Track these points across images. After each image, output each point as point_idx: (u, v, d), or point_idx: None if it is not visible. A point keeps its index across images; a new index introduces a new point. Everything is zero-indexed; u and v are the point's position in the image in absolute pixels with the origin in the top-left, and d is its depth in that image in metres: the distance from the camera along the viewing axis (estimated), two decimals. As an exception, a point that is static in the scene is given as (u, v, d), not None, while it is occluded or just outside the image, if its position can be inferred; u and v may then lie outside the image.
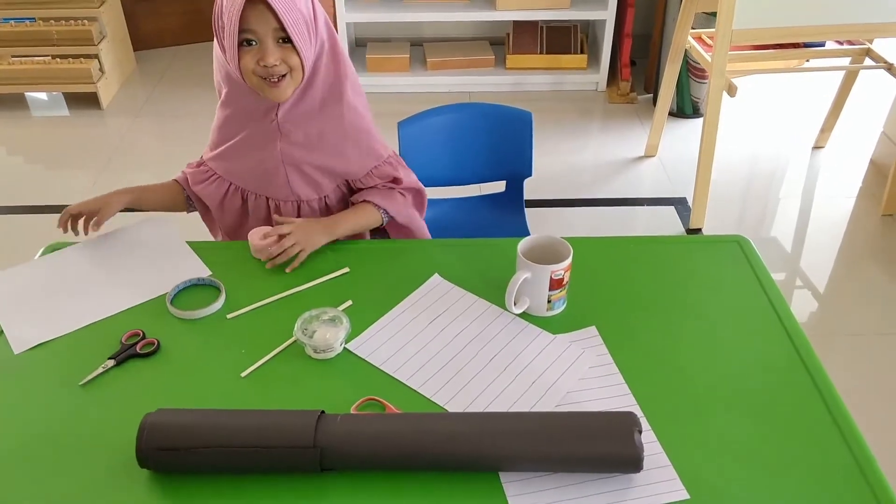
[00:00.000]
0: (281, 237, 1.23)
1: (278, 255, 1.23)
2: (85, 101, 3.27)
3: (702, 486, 0.91)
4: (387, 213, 1.36)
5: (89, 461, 0.91)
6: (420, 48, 3.51)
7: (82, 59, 3.17)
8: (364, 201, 1.36)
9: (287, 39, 1.17)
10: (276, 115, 1.27)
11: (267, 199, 1.37)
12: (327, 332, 1.08)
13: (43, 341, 1.10)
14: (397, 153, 1.42)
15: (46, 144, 3.06)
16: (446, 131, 1.77)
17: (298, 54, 1.18)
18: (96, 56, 3.20)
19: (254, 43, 1.17)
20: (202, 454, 0.89)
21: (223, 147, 1.34)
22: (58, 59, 3.17)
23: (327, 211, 1.39)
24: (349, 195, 1.40)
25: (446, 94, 3.33)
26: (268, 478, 0.92)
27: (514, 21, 3.32)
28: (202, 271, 1.25)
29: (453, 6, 3.26)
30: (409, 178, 1.41)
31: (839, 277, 2.36)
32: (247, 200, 1.38)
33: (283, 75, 1.19)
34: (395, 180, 1.38)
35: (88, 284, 1.22)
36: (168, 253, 1.30)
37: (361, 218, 1.34)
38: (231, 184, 1.37)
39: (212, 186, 1.38)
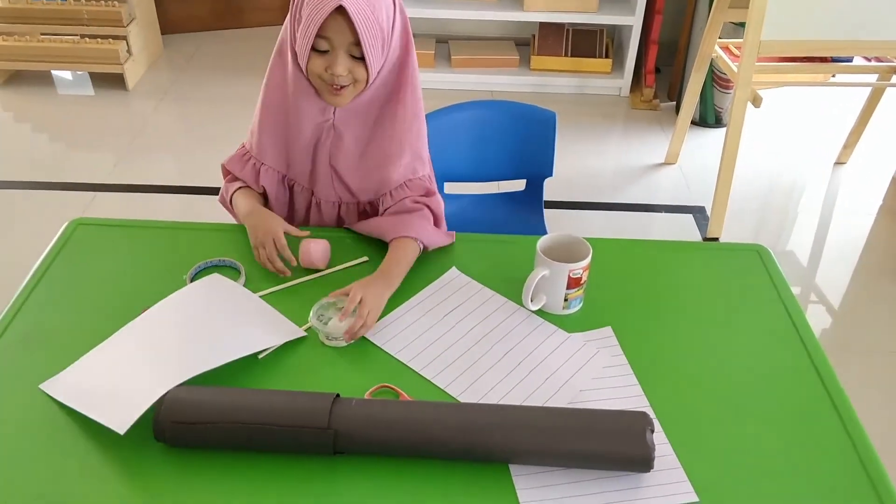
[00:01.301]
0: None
1: (361, 327, 1.11)
2: (111, 81, 3.30)
3: (711, 490, 0.92)
4: (422, 243, 1.28)
5: (104, 431, 0.93)
6: (445, 45, 3.52)
7: (111, 39, 3.20)
8: (403, 237, 1.26)
9: (360, 55, 1.16)
10: (333, 115, 1.26)
11: (311, 193, 1.36)
12: (341, 321, 1.09)
13: (140, 415, 0.94)
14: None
15: (70, 123, 3.09)
16: (470, 127, 1.77)
17: (367, 69, 1.18)
18: (124, 38, 3.23)
19: (327, 50, 1.17)
20: (217, 429, 0.91)
21: (273, 135, 1.31)
22: (86, 39, 3.20)
23: (364, 215, 1.37)
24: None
25: (470, 91, 3.34)
26: (280, 457, 0.93)
27: (540, 22, 3.32)
28: (290, 328, 1.14)
29: (481, 5, 3.26)
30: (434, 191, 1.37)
31: (855, 294, 2.35)
32: (293, 190, 1.37)
33: (347, 85, 1.19)
34: (428, 193, 1.34)
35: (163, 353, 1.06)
36: (242, 307, 1.16)
37: (408, 256, 1.24)
38: (279, 173, 1.35)
39: (267, 178, 1.35)
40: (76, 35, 3.21)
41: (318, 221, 1.38)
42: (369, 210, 1.37)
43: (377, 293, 1.14)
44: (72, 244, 1.30)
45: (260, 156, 1.34)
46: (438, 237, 1.31)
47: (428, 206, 1.32)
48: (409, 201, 1.31)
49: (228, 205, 1.39)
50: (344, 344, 1.10)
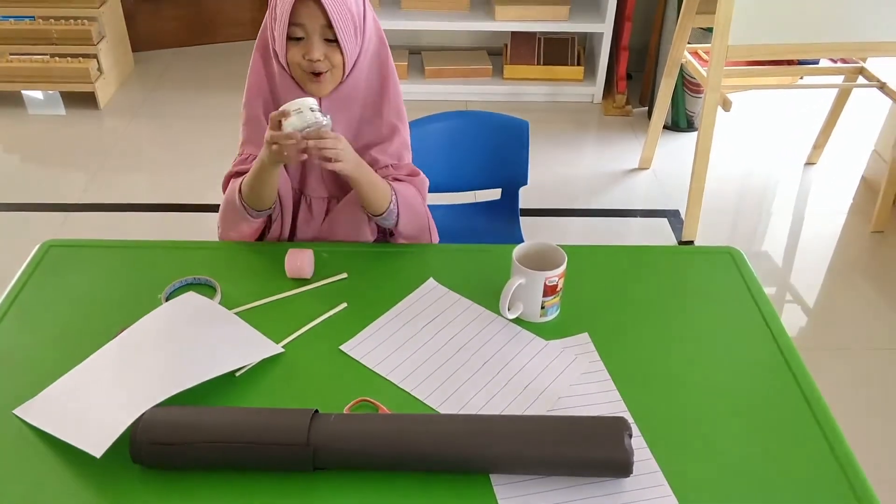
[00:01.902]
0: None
1: (314, 142, 1.15)
2: (82, 100, 3.27)
3: (690, 492, 0.92)
4: (395, 195, 1.30)
5: (81, 454, 0.91)
6: (418, 56, 3.53)
7: (81, 58, 3.17)
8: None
9: (334, 37, 1.20)
10: (319, 107, 1.26)
11: (301, 194, 1.38)
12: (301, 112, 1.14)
13: (116, 437, 0.92)
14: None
15: (42, 143, 3.06)
16: (444, 138, 1.78)
17: (342, 53, 1.22)
18: (95, 56, 3.21)
19: (302, 37, 1.21)
20: (195, 449, 0.90)
21: (263, 133, 1.28)
22: (56, 58, 3.17)
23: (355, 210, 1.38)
24: None
25: (443, 102, 3.35)
26: (260, 475, 0.93)
27: (512, 32, 3.35)
28: (267, 345, 1.12)
29: (452, 15, 3.28)
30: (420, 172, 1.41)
31: (829, 292, 2.38)
32: (280, 195, 1.36)
33: (325, 71, 1.23)
34: (413, 173, 1.38)
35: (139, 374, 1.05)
36: (218, 324, 1.15)
37: (378, 182, 1.28)
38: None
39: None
40: (46, 54, 3.18)
41: (307, 221, 1.38)
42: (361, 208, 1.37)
43: (351, 150, 1.21)
44: (44, 266, 1.28)
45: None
46: (416, 204, 1.34)
47: (413, 185, 1.36)
48: (391, 178, 1.34)
49: (241, 205, 1.29)
50: (295, 142, 1.14)
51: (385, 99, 1.33)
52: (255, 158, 1.31)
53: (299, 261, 1.25)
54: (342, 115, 1.30)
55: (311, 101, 1.16)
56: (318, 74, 1.23)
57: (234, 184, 1.32)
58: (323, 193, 1.38)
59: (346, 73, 1.26)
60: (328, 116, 1.18)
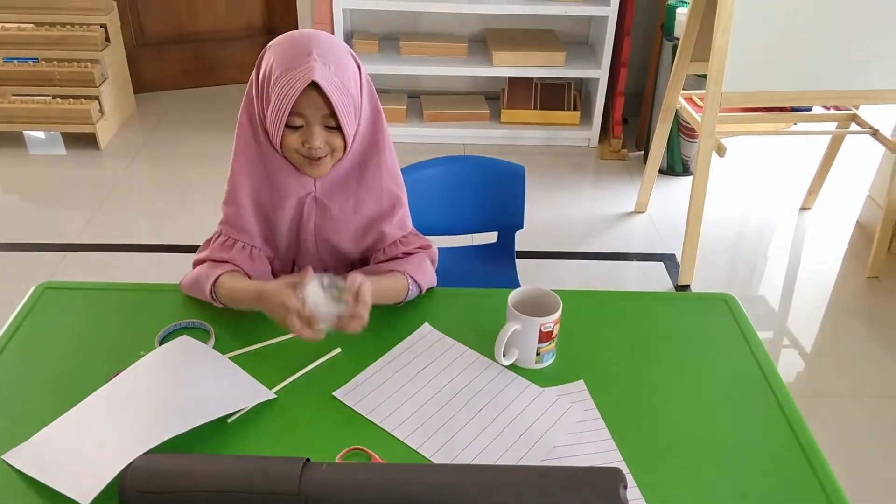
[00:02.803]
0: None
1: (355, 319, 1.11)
2: (83, 141, 3.30)
3: (686, 545, 0.91)
4: (416, 284, 1.28)
5: (68, 501, 0.90)
6: (417, 100, 3.57)
7: (83, 99, 3.21)
8: (394, 271, 1.27)
9: (335, 125, 1.17)
10: (315, 188, 1.25)
11: (293, 263, 1.35)
12: (323, 301, 1.09)
13: (105, 484, 0.92)
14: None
15: (42, 183, 3.07)
16: (441, 182, 1.79)
17: (343, 138, 1.18)
18: (97, 97, 3.25)
19: (301, 126, 1.17)
20: (185, 498, 0.89)
21: (254, 216, 1.27)
22: (58, 100, 3.20)
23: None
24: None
25: (442, 145, 3.38)
26: (250, 525, 0.91)
27: (509, 77, 3.39)
28: (260, 390, 1.12)
29: (451, 60, 3.33)
30: (430, 243, 1.38)
31: (824, 338, 2.38)
32: (272, 264, 1.34)
33: (325, 156, 1.19)
34: (423, 246, 1.35)
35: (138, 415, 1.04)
36: (212, 370, 1.14)
37: (392, 283, 1.25)
38: (257, 249, 1.30)
39: (260, 259, 1.31)
40: (48, 96, 3.22)
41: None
42: (358, 265, 1.36)
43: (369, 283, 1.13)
44: (39, 308, 1.28)
45: (245, 237, 1.28)
46: (432, 279, 1.32)
47: (427, 256, 1.34)
48: (402, 255, 1.31)
49: (210, 296, 1.24)
50: (327, 326, 1.09)
51: (381, 166, 1.28)
52: (233, 244, 1.26)
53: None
54: (340, 190, 1.27)
55: (321, 283, 1.10)
56: (317, 159, 1.19)
57: (208, 274, 1.23)
58: (318, 266, 1.33)
59: (346, 153, 1.22)
60: (343, 298, 1.11)
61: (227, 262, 1.26)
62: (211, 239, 1.31)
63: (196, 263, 1.31)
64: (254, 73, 1.21)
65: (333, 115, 1.15)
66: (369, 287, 1.12)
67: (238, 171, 1.25)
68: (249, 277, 1.27)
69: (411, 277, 1.27)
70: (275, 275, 1.33)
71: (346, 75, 1.15)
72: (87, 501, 0.89)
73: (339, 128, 1.17)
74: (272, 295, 1.12)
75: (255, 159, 1.24)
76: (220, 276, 1.23)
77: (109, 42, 3.33)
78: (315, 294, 1.09)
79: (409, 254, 1.32)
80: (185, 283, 1.30)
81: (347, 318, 1.10)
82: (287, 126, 1.16)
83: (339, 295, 1.11)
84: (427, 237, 1.40)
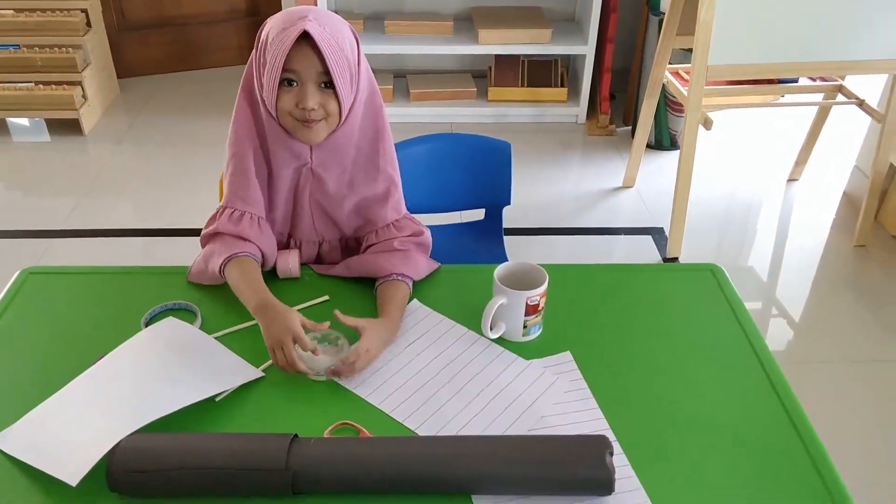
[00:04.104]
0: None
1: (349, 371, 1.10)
2: (67, 127, 3.27)
3: (673, 510, 0.92)
4: (410, 280, 1.27)
5: (57, 483, 0.90)
6: (403, 80, 3.55)
7: (65, 85, 3.18)
8: (391, 277, 1.25)
9: (329, 84, 1.15)
10: (311, 159, 1.24)
11: (289, 236, 1.35)
12: (328, 357, 1.10)
13: (92, 465, 0.92)
14: None
15: (27, 170, 3.05)
16: (428, 160, 1.79)
17: (338, 100, 1.16)
18: (80, 83, 3.21)
19: (294, 84, 1.15)
20: (173, 476, 0.89)
21: (253, 189, 1.26)
22: (41, 86, 3.17)
23: (346, 251, 1.37)
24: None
25: (429, 124, 3.36)
26: (239, 501, 0.92)
27: (496, 55, 3.37)
28: (247, 369, 1.12)
29: (437, 39, 3.31)
30: (424, 229, 1.36)
31: (812, 307, 2.40)
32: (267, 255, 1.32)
33: (319, 119, 1.17)
34: (416, 233, 1.33)
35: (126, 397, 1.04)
36: (202, 352, 1.14)
37: (401, 297, 1.23)
38: (264, 220, 1.29)
39: (267, 231, 1.30)
40: (31, 82, 3.18)
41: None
42: (353, 245, 1.36)
43: (383, 342, 1.15)
44: (23, 294, 1.27)
45: (252, 208, 1.26)
46: (426, 270, 1.32)
47: (420, 244, 1.32)
48: (396, 242, 1.30)
49: (219, 275, 1.24)
50: (324, 378, 1.10)
51: (380, 149, 1.28)
52: (241, 216, 1.25)
53: (290, 262, 1.27)
54: (336, 163, 1.26)
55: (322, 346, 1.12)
56: (311, 123, 1.17)
57: (215, 259, 1.23)
58: (314, 237, 1.34)
59: (342, 122, 1.20)
60: (345, 343, 1.12)
61: (238, 236, 1.25)
62: (216, 214, 1.30)
63: (204, 239, 1.29)
64: (254, 50, 1.20)
65: (327, 72, 1.13)
66: (374, 356, 1.13)
67: (239, 142, 1.24)
68: (262, 253, 1.26)
69: (409, 278, 1.27)
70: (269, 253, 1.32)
71: (341, 37, 1.14)
72: (75, 482, 0.89)
73: (333, 90, 1.15)
74: (279, 315, 1.11)
75: (251, 128, 1.24)
76: (223, 265, 1.23)
77: (91, 27, 3.29)
78: (311, 358, 1.10)
79: (399, 249, 1.29)
80: (193, 270, 1.29)
81: (342, 366, 1.09)
82: (282, 86, 1.15)
83: (336, 351, 1.12)
84: (417, 216, 1.39)
